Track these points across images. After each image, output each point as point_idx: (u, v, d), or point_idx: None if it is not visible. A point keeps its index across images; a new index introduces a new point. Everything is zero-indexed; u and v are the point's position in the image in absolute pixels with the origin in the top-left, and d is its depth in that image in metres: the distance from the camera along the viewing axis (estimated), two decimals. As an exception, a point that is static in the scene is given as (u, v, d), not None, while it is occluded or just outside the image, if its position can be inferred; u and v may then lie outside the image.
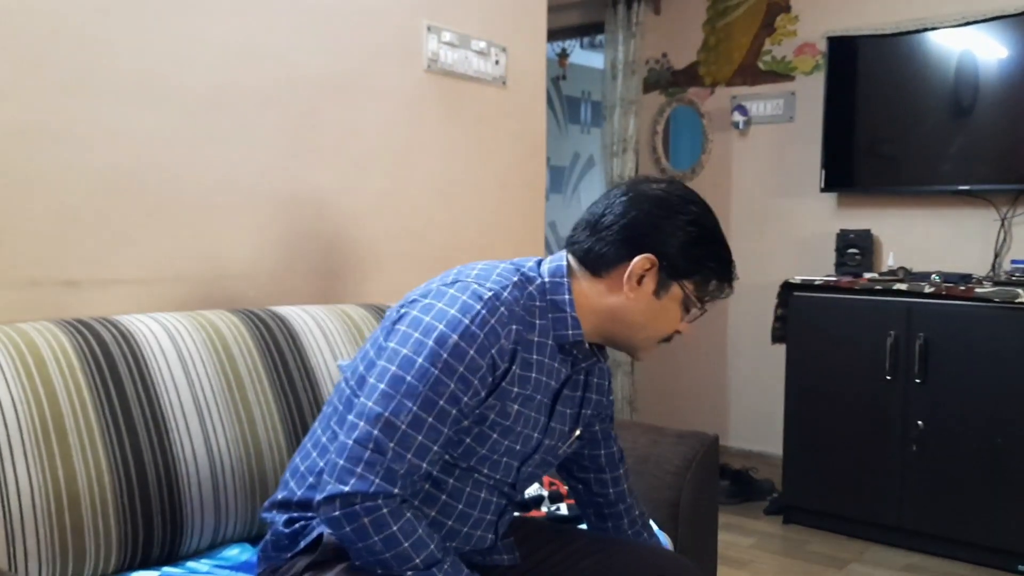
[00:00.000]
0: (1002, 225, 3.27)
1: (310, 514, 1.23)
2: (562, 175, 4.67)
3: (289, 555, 1.23)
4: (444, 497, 1.23)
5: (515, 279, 1.22)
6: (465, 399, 1.14)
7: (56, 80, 1.62)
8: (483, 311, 1.14)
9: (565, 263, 1.26)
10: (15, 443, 1.28)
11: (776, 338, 3.27)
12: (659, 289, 1.22)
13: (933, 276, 3.03)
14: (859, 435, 3.04)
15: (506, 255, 2.80)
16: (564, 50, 4.60)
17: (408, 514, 1.12)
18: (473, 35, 2.53)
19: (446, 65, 2.45)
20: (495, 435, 1.21)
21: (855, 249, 3.46)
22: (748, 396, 4.03)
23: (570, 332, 1.24)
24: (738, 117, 4.00)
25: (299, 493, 1.25)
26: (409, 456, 1.11)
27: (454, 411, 1.14)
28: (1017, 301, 2.72)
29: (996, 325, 2.77)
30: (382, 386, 1.12)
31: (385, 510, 1.09)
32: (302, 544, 1.22)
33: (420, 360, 1.12)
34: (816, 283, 3.17)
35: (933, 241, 3.43)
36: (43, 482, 1.29)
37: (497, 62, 2.62)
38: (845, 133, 3.59)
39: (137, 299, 1.73)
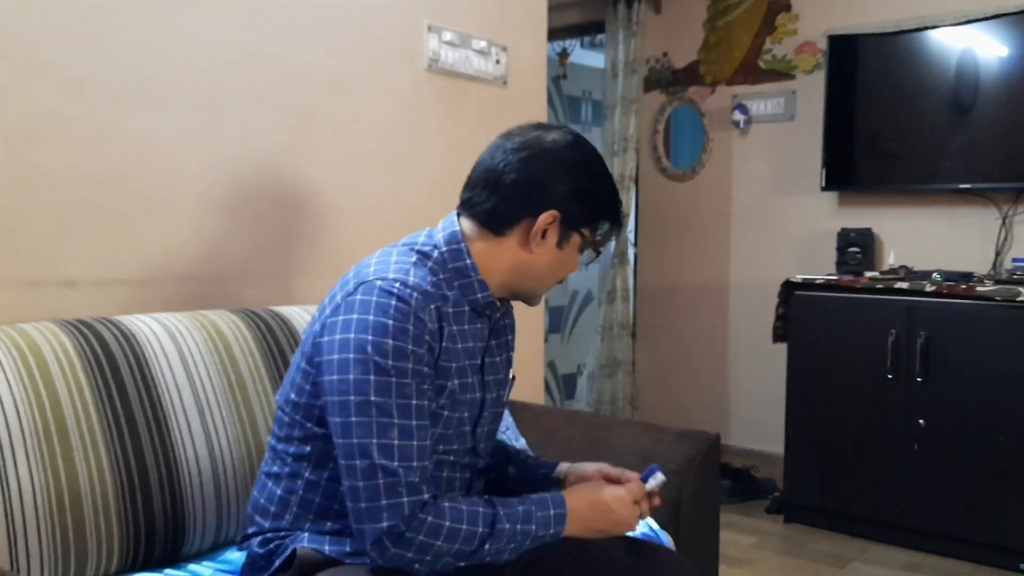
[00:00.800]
0: (1003, 223, 3.27)
1: (283, 533, 1.25)
2: (563, 174, 4.67)
3: (265, 575, 1.24)
4: None
5: (413, 259, 1.23)
6: (427, 388, 1.17)
7: (55, 80, 1.61)
8: (398, 304, 1.14)
9: (458, 227, 1.27)
10: (17, 443, 1.28)
11: (777, 337, 3.27)
12: (561, 240, 1.26)
13: (934, 275, 3.03)
14: (860, 434, 3.04)
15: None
16: (565, 49, 4.59)
17: (445, 502, 1.14)
18: (474, 34, 2.53)
19: (446, 64, 2.45)
20: (446, 412, 1.23)
21: (856, 248, 3.46)
22: (749, 395, 4.03)
23: (480, 295, 1.26)
24: (739, 116, 3.99)
25: (267, 524, 1.27)
26: (415, 463, 1.12)
27: (426, 403, 1.16)
28: (1018, 299, 2.71)
29: (997, 323, 2.77)
30: (353, 418, 1.12)
31: (429, 517, 1.11)
32: (277, 563, 1.22)
33: (372, 377, 1.12)
34: (817, 282, 3.17)
35: (934, 240, 3.43)
36: (45, 482, 1.29)
37: (498, 61, 2.62)
38: (846, 132, 3.59)
39: (138, 299, 1.73)
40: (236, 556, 1.50)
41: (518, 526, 1.17)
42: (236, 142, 1.93)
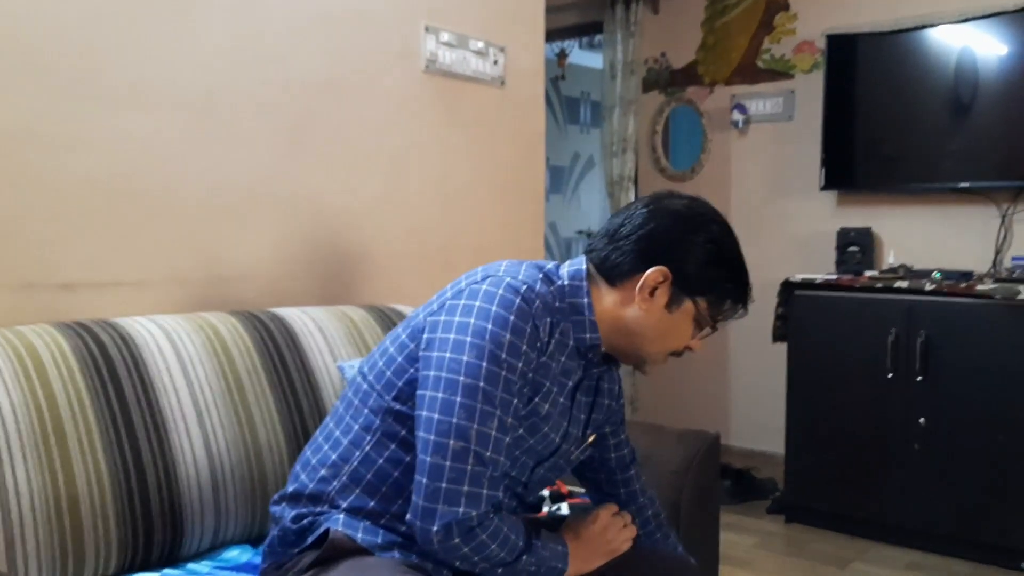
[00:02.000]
0: (1003, 222, 3.27)
1: (319, 509, 1.23)
2: (562, 175, 4.67)
3: (296, 551, 1.23)
4: None
5: (540, 275, 1.23)
6: (526, 390, 1.17)
7: (52, 84, 1.61)
8: (522, 303, 1.15)
9: (584, 268, 1.26)
10: (15, 446, 1.28)
11: (777, 337, 3.27)
12: (671, 303, 1.23)
13: (934, 274, 3.02)
14: (861, 434, 3.04)
15: (506, 256, 2.79)
16: (563, 50, 4.60)
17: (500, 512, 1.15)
18: (471, 35, 2.53)
19: (444, 65, 2.45)
20: (522, 431, 1.21)
21: (855, 247, 3.46)
22: (749, 395, 4.03)
23: (588, 336, 1.24)
24: (737, 116, 3.99)
25: (311, 486, 1.25)
26: (501, 459, 1.13)
27: (520, 404, 1.16)
28: (1018, 298, 2.71)
29: (997, 322, 2.77)
30: (459, 398, 1.11)
31: (496, 519, 1.12)
32: (309, 540, 1.21)
33: (486, 364, 1.12)
34: (817, 282, 3.17)
35: (934, 239, 3.43)
36: (43, 485, 1.29)
37: (496, 62, 2.61)
38: (845, 131, 3.58)
39: (135, 302, 1.73)
40: (235, 554, 1.50)
41: (546, 551, 1.19)
42: (233, 144, 1.93)
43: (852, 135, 3.59)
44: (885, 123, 3.49)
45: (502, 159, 2.68)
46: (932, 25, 3.33)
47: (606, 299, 1.25)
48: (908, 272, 3.17)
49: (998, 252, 3.27)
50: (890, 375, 2.95)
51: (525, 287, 1.17)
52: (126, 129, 1.73)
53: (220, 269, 1.92)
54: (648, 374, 1.35)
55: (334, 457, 1.24)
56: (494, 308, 1.14)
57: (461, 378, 1.11)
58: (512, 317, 1.14)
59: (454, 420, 1.10)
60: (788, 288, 3.21)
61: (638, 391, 4.33)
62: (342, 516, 1.21)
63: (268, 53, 2.00)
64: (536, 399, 1.20)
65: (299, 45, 2.07)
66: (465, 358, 1.12)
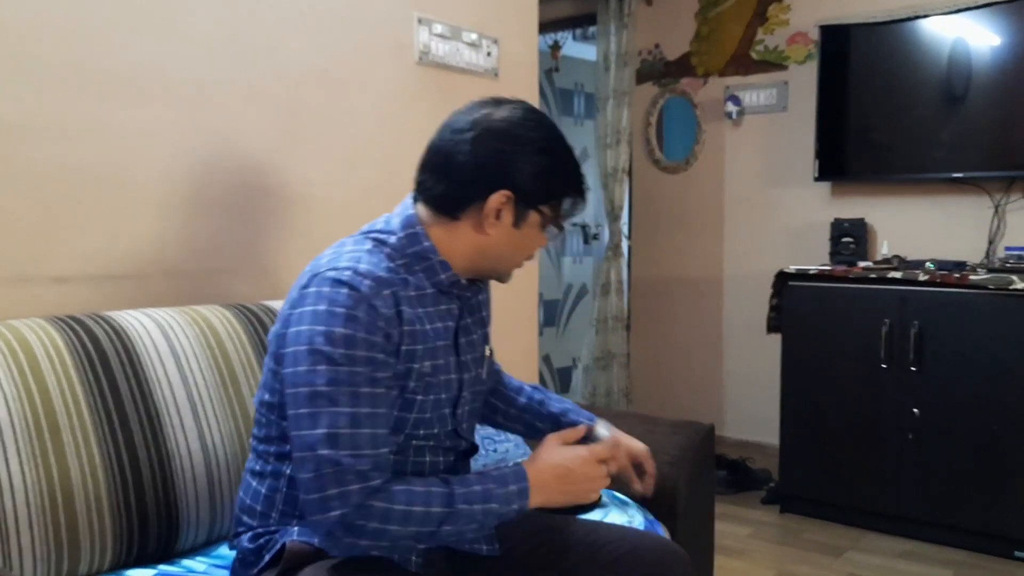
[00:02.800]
0: (996, 212, 3.28)
1: (272, 527, 1.25)
2: (556, 167, 4.67)
3: (255, 571, 1.24)
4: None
5: (367, 247, 1.22)
6: (382, 375, 1.15)
7: (42, 75, 1.60)
8: (349, 291, 1.14)
9: (414, 211, 1.26)
10: (8, 440, 1.28)
11: (771, 328, 3.27)
12: (518, 221, 1.24)
13: (927, 264, 3.03)
14: (855, 424, 3.05)
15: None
16: (556, 42, 4.58)
17: (398, 486, 1.12)
18: (464, 27, 2.52)
19: (437, 57, 2.44)
20: (419, 396, 1.22)
21: (849, 238, 3.47)
22: (744, 386, 4.04)
23: (443, 276, 1.25)
24: (731, 107, 3.99)
25: (255, 524, 1.27)
26: (366, 452, 1.11)
27: (381, 390, 1.14)
28: (1011, 288, 2.72)
29: (991, 312, 2.78)
30: (303, 410, 1.11)
31: (380, 503, 1.10)
32: (267, 557, 1.22)
33: (322, 367, 1.11)
34: (811, 272, 3.18)
35: (927, 229, 3.44)
36: (37, 479, 1.29)
37: (489, 54, 2.61)
38: (838, 122, 3.59)
39: (128, 295, 1.72)
40: (230, 551, 1.50)
41: (477, 506, 1.15)
42: (225, 136, 1.92)
43: (846, 126, 3.60)
44: (879, 114, 3.50)
45: (496, 151, 2.67)
46: (925, 15, 3.33)
47: (452, 234, 1.24)
48: (902, 263, 3.18)
49: (991, 242, 3.28)
50: (884, 365, 2.96)
51: (348, 272, 1.15)
52: (117, 120, 1.72)
53: (213, 262, 1.91)
54: (507, 282, 1.35)
55: (264, 492, 1.27)
56: (321, 308, 1.13)
57: (302, 389, 1.12)
58: (340, 310, 1.13)
59: (303, 432, 1.11)
60: (782, 279, 3.22)
61: (633, 383, 4.35)
62: (296, 528, 1.23)
63: (261, 44, 1.99)
64: (415, 365, 1.20)
65: (292, 36, 2.06)
66: (303, 368, 1.12)
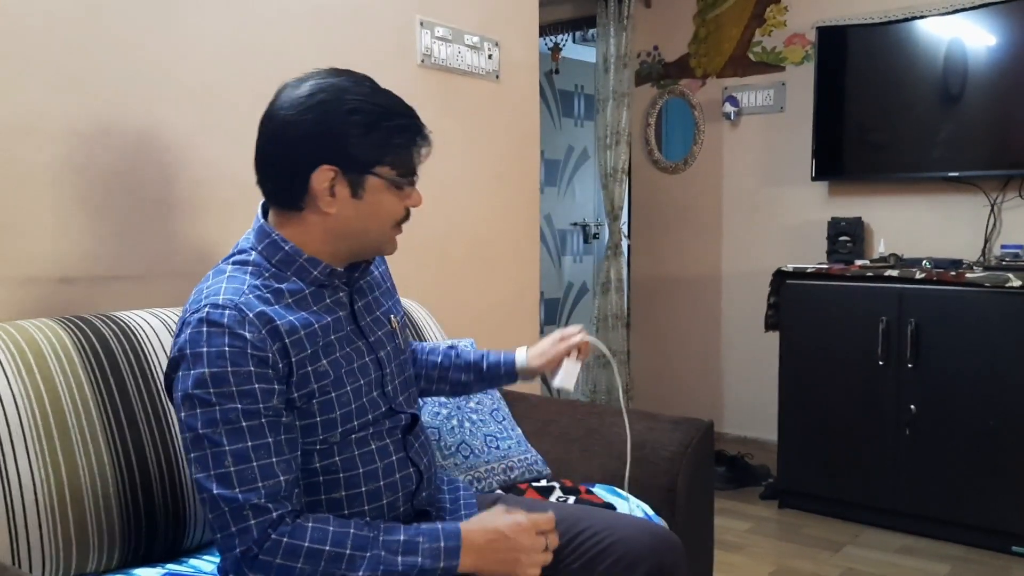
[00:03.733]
0: (992, 210, 3.30)
1: None
2: (556, 168, 4.68)
3: None
4: (342, 474, 1.23)
5: (227, 273, 1.20)
6: (265, 405, 1.12)
7: (52, 77, 1.62)
8: (210, 329, 1.12)
9: (262, 220, 1.24)
10: (16, 439, 1.29)
11: (769, 326, 3.29)
12: (355, 190, 1.19)
13: (924, 262, 3.05)
14: (853, 420, 3.07)
15: (502, 248, 2.82)
16: (557, 44, 4.61)
17: (310, 522, 1.12)
18: (466, 30, 2.55)
19: (439, 60, 2.46)
20: (332, 393, 1.20)
21: (846, 236, 3.48)
22: (742, 383, 4.06)
23: (316, 272, 1.22)
24: (729, 108, 4.01)
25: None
26: (260, 484, 1.10)
27: (264, 420, 1.12)
28: (1007, 286, 2.74)
29: (987, 309, 2.80)
30: (191, 455, 1.11)
31: (284, 538, 1.09)
32: None
33: (198, 411, 1.11)
34: (808, 271, 3.20)
35: (924, 227, 3.46)
36: (45, 478, 1.30)
37: (490, 56, 2.63)
38: (835, 122, 3.61)
39: (134, 295, 1.74)
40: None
41: (399, 557, 1.12)
42: (231, 138, 1.94)
43: (843, 126, 3.62)
44: (875, 114, 3.52)
45: (497, 152, 2.70)
46: (922, 16, 3.35)
47: (303, 225, 1.21)
48: (898, 261, 3.20)
49: (987, 240, 3.30)
50: (881, 362, 2.99)
51: (207, 308, 1.13)
52: (125, 123, 1.73)
53: (218, 262, 1.93)
54: (391, 253, 1.29)
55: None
56: (188, 351, 1.12)
57: (187, 435, 1.12)
58: (204, 350, 1.11)
59: (198, 476, 1.10)
60: (780, 277, 3.24)
61: (633, 380, 4.37)
62: None
63: (265, 47, 2.01)
64: (310, 368, 1.18)
65: (296, 39, 2.08)
66: (183, 415, 1.12)
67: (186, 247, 1.86)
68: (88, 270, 1.69)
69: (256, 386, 1.12)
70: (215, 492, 1.09)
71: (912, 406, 2.94)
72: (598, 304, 4.31)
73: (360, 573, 1.10)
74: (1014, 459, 2.76)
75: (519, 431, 1.95)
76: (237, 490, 1.09)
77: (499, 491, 1.76)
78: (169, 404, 1.48)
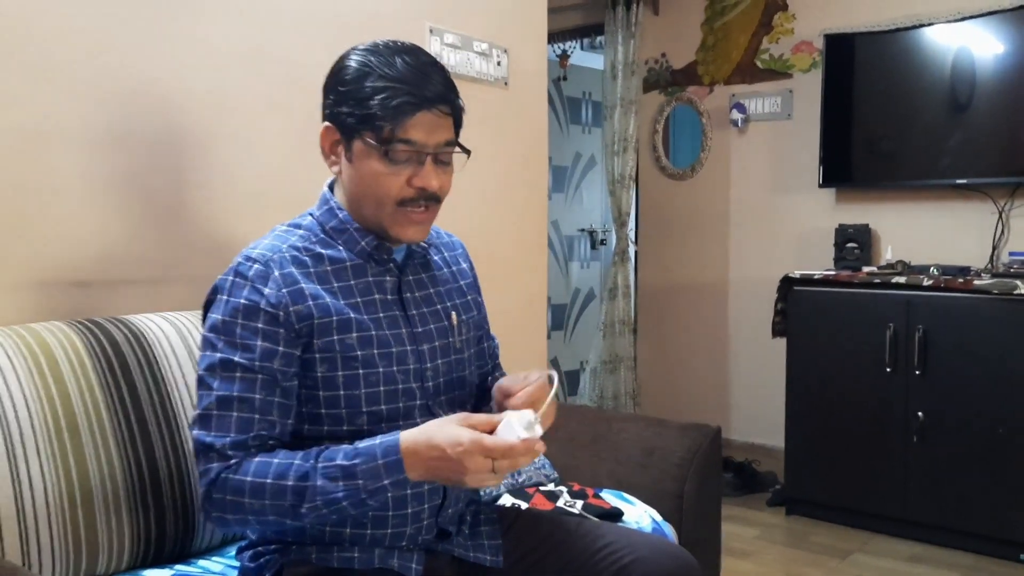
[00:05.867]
0: (1000, 218, 3.29)
1: (272, 546, 1.25)
2: (564, 175, 4.69)
3: None
4: None
5: (279, 231, 1.25)
6: (263, 364, 1.14)
7: (64, 85, 1.64)
8: (235, 279, 1.17)
9: (325, 187, 1.29)
10: (28, 441, 1.30)
11: (776, 332, 3.29)
12: (348, 152, 1.21)
13: (932, 269, 3.05)
14: (860, 427, 3.06)
15: (509, 254, 2.83)
16: (565, 51, 4.62)
17: (257, 457, 1.12)
18: (475, 37, 2.56)
19: (449, 66, 2.47)
20: (360, 370, 1.19)
21: (854, 243, 3.48)
22: (750, 389, 4.05)
23: (362, 243, 1.24)
24: (737, 115, 4.02)
25: (256, 540, 1.28)
26: (232, 433, 1.13)
27: (260, 377, 1.14)
28: (1015, 293, 2.74)
29: (995, 316, 2.79)
30: (197, 392, 1.17)
31: (232, 475, 1.11)
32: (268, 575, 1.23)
33: (207, 353, 1.16)
34: (815, 277, 3.20)
35: (931, 234, 3.45)
36: (56, 479, 1.31)
37: (499, 63, 2.64)
38: (843, 129, 3.61)
39: (146, 299, 1.75)
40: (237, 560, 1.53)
41: (340, 483, 1.08)
42: (244, 144, 1.96)
43: (850, 133, 3.62)
44: (883, 121, 3.52)
45: (506, 158, 2.71)
46: (929, 24, 3.35)
47: (338, 186, 1.27)
48: (906, 268, 3.19)
49: (995, 248, 3.30)
50: (888, 369, 2.98)
51: (240, 260, 1.19)
52: (136, 129, 1.75)
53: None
54: (402, 239, 1.24)
55: None
56: (216, 297, 1.18)
57: (197, 374, 1.18)
58: (224, 297, 1.16)
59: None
60: (787, 284, 3.24)
61: (640, 386, 4.37)
62: (295, 546, 1.23)
63: (278, 54, 2.03)
64: (331, 338, 1.17)
65: (308, 46, 2.09)
66: (199, 355, 1.19)
67: (199, 252, 1.87)
68: (101, 274, 1.70)
69: (260, 343, 1.15)
70: (193, 432, 1.15)
71: (920, 413, 2.93)
72: (605, 310, 4.32)
73: (305, 506, 1.09)
74: (1023, 467, 2.75)
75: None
76: (209, 433, 1.13)
77: (507, 495, 1.76)
78: (180, 408, 1.50)
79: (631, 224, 4.36)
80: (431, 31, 2.41)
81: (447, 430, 1.08)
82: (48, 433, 1.32)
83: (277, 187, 2.04)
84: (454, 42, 2.48)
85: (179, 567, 1.43)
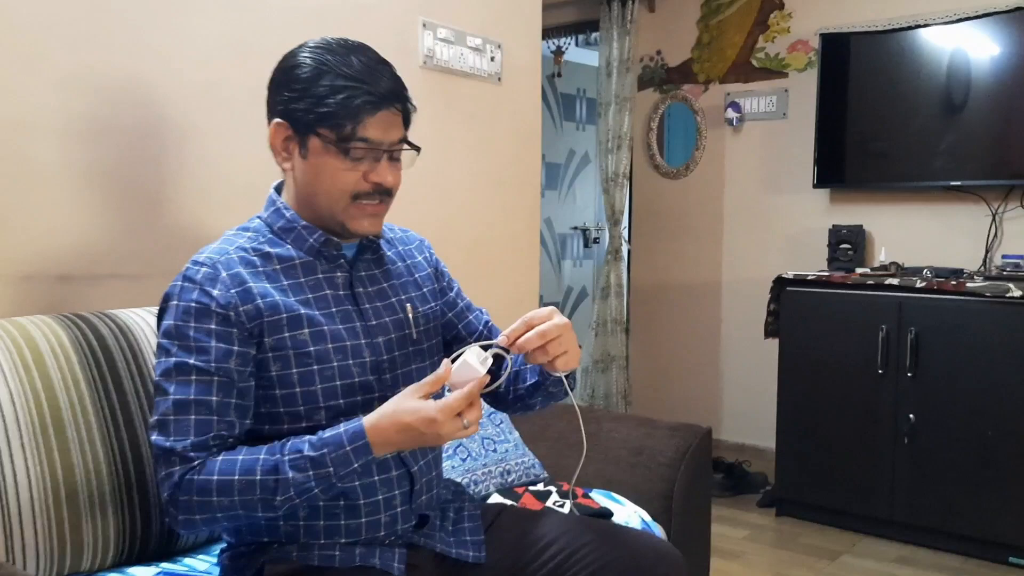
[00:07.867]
0: (993, 220, 3.30)
1: (252, 546, 1.25)
2: (557, 172, 4.68)
3: None
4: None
5: (228, 235, 1.27)
6: (219, 365, 1.15)
7: (50, 76, 1.62)
8: (184, 284, 1.18)
9: (272, 189, 1.31)
10: (13, 437, 1.29)
11: (769, 333, 3.29)
12: (301, 149, 1.22)
13: (925, 271, 3.05)
14: (851, 428, 3.07)
15: (501, 251, 2.82)
16: (559, 48, 4.61)
17: (221, 455, 1.14)
18: (468, 32, 2.54)
19: (441, 62, 2.46)
20: (315, 366, 1.20)
21: (847, 244, 3.48)
22: (741, 390, 4.06)
23: (310, 240, 1.25)
24: (732, 114, 4.01)
25: (235, 540, 1.29)
26: (192, 438, 1.13)
27: (216, 379, 1.15)
28: (1008, 296, 2.74)
29: (987, 319, 2.80)
30: (154, 400, 1.17)
31: (197, 475, 1.12)
32: None
33: (161, 359, 1.17)
34: (808, 278, 3.19)
35: (925, 236, 3.46)
36: (41, 475, 1.30)
37: (492, 59, 2.63)
38: (838, 129, 3.61)
39: (131, 294, 1.74)
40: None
41: (310, 472, 1.11)
42: (231, 138, 1.94)
43: (845, 133, 3.62)
44: (878, 122, 3.52)
45: (498, 155, 2.69)
46: (925, 25, 3.35)
47: (287, 185, 1.29)
48: (899, 269, 3.19)
49: (988, 250, 3.30)
50: (880, 371, 2.98)
51: (188, 266, 1.20)
52: (122, 121, 1.73)
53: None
54: (358, 231, 1.24)
55: None
56: (166, 303, 1.19)
57: (154, 379, 1.18)
58: (175, 303, 1.17)
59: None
60: (780, 284, 3.24)
61: (631, 386, 4.36)
62: (275, 545, 1.23)
63: (266, 47, 1.99)
64: (287, 335, 1.18)
65: (297, 40, 2.06)
66: (154, 362, 1.19)
67: (184, 245, 1.85)
68: (86, 268, 1.69)
69: (214, 344, 1.15)
70: (151, 438, 1.15)
71: (911, 415, 2.93)
72: (597, 309, 4.31)
73: (278, 498, 1.11)
74: (1012, 470, 2.76)
75: (516, 434, 1.95)
76: (168, 438, 1.13)
77: (496, 494, 1.75)
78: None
79: (624, 222, 4.35)
80: (424, 25, 2.40)
81: (410, 406, 1.12)
82: (33, 428, 1.31)
83: (262, 180, 2.01)
84: (447, 37, 2.47)
85: (164, 565, 1.43)
